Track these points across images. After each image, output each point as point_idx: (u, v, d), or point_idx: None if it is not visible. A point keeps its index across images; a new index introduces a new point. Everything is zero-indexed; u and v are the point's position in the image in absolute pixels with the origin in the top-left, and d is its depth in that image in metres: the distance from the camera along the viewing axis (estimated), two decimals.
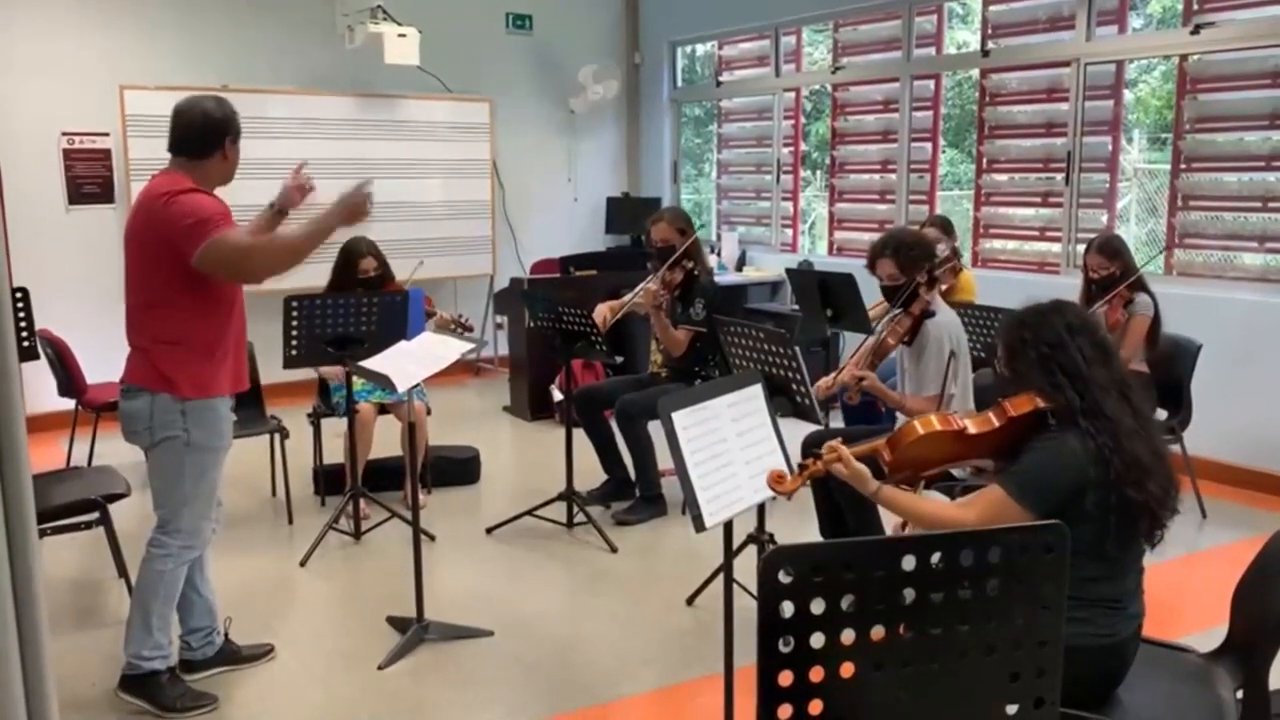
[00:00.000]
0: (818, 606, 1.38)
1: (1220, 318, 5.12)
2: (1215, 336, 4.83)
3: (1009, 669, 1.50)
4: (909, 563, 1.41)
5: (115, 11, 6.74)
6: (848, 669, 1.43)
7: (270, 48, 7.24)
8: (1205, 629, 2.97)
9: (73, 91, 6.60)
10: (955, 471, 2.63)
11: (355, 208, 3.12)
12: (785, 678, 1.41)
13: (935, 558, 1.42)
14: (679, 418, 2.50)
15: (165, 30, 6.90)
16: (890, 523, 3.77)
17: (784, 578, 1.35)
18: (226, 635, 3.43)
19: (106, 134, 6.65)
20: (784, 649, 1.38)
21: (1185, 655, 2.40)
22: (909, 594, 1.42)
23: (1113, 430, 2.15)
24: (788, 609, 1.37)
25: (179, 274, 2.94)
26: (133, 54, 6.76)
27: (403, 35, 7.05)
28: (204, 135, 3.06)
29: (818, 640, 1.39)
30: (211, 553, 3.36)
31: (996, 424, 2.25)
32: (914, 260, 3.69)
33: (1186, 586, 4.12)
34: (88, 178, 6.70)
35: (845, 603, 1.39)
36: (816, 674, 1.40)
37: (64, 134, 6.61)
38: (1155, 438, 2.22)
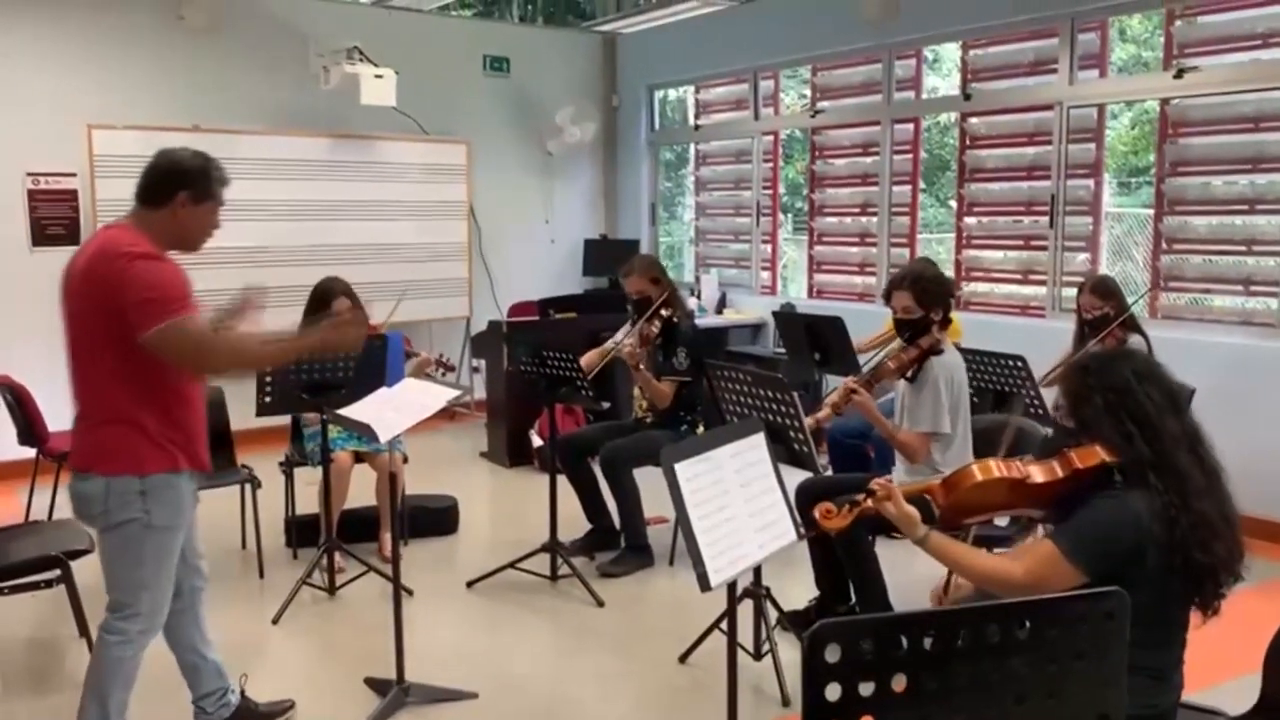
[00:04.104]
0: (867, 688, 1.25)
1: (1206, 361, 5.07)
2: (1203, 380, 4.77)
3: None
4: (964, 636, 1.29)
5: (84, 49, 6.58)
6: None
7: (243, 87, 7.10)
8: (1212, 685, 2.86)
9: (39, 130, 6.41)
10: (997, 520, 2.50)
11: (341, 336, 3.07)
12: None
13: (992, 630, 1.30)
14: (682, 469, 2.38)
15: (135, 69, 6.75)
16: (890, 576, 3.66)
17: (831, 656, 1.22)
18: (243, 693, 3.24)
19: (73, 174, 6.45)
20: None
21: (1216, 719, 2.29)
22: (963, 672, 1.29)
23: (1182, 488, 2.03)
24: (834, 692, 1.24)
25: (131, 341, 2.72)
26: (102, 93, 6.59)
27: (379, 76, 6.97)
28: (158, 182, 2.81)
29: None
30: (206, 609, 3.15)
31: (1060, 474, 2.13)
32: (931, 296, 3.67)
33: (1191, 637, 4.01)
34: (53, 219, 6.50)
35: (897, 683, 1.27)
36: None
37: (29, 174, 6.40)
38: (1224, 497, 2.11)
